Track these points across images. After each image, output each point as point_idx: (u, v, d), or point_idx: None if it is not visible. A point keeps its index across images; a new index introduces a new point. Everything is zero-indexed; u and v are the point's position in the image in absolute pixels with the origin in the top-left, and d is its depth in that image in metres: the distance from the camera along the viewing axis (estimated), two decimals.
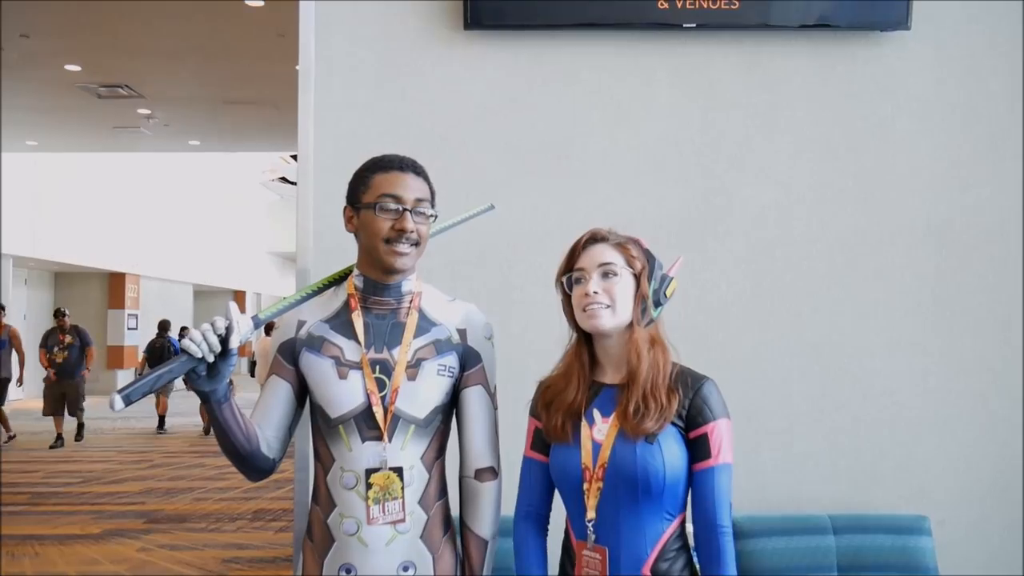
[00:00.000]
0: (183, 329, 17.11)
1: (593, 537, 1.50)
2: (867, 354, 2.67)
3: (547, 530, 1.67)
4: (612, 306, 1.51)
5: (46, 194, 13.56)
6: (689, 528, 1.54)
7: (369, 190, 1.61)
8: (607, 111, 2.71)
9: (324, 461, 1.61)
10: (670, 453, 1.47)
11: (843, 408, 2.67)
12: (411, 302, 1.65)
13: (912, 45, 2.71)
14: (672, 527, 1.50)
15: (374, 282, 1.64)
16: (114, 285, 16.63)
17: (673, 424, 1.49)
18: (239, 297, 21.38)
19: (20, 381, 9.75)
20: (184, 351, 1.36)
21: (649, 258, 1.58)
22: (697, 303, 2.66)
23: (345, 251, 1.81)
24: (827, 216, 2.70)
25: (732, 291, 2.69)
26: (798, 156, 2.71)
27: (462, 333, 1.68)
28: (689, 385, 1.52)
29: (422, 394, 1.60)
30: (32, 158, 12.90)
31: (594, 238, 1.56)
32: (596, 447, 1.51)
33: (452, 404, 1.68)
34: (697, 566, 1.55)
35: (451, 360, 1.64)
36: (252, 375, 13.34)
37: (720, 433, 1.49)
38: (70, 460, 8.66)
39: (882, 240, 2.70)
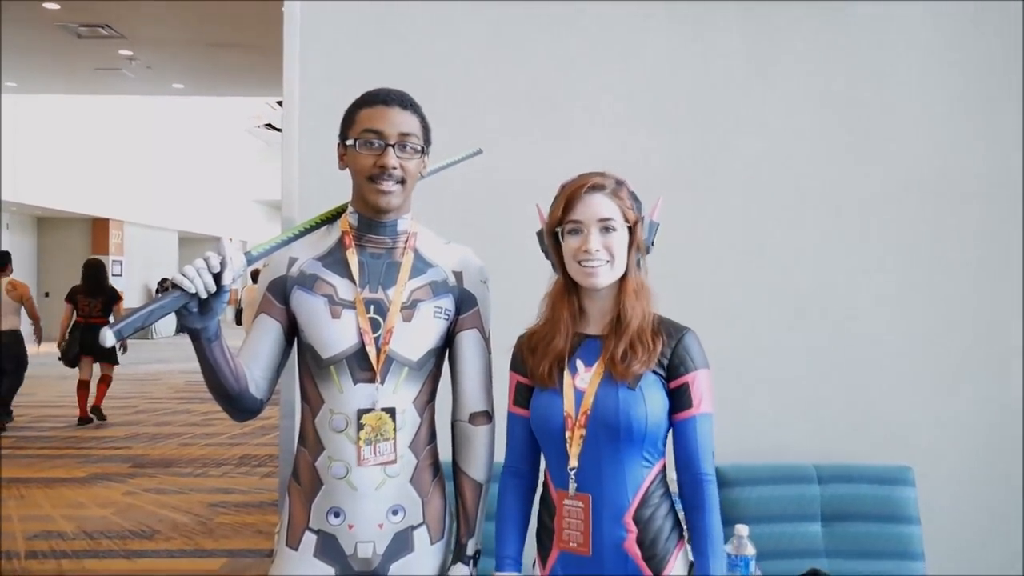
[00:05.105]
0: (163, 280, 17.01)
1: (575, 486, 1.50)
2: (855, 305, 2.68)
3: (534, 487, 1.65)
4: (612, 262, 1.50)
5: (28, 137, 13.31)
6: (671, 475, 1.55)
7: (354, 125, 1.57)
8: (601, 57, 2.66)
9: (312, 403, 1.58)
10: (652, 400, 1.47)
11: (830, 359, 2.68)
12: (406, 242, 1.62)
13: None
14: (653, 474, 1.51)
15: (368, 220, 1.60)
16: (98, 231, 16.47)
17: (655, 372, 1.49)
18: None
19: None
20: (177, 287, 1.32)
21: (636, 202, 1.55)
22: (687, 253, 2.64)
23: (331, 198, 1.76)
24: (821, 167, 2.68)
25: (723, 241, 2.68)
26: (794, 106, 2.68)
27: (458, 276, 1.65)
28: (672, 334, 1.52)
29: (417, 336, 1.57)
30: (12, 100, 12.62)
31: (593, 187, 1.51)
32: (579, 395, 1.50)
33: (445, 347, 1.66)
34: (680, 512, 1.55)
35: (447, 302, 1.62)
36: (238, 323, 13.29)
37: (701, 383, 1.50)
38: (55, 405, 8.65)
39: (875, 191, 2.69)
